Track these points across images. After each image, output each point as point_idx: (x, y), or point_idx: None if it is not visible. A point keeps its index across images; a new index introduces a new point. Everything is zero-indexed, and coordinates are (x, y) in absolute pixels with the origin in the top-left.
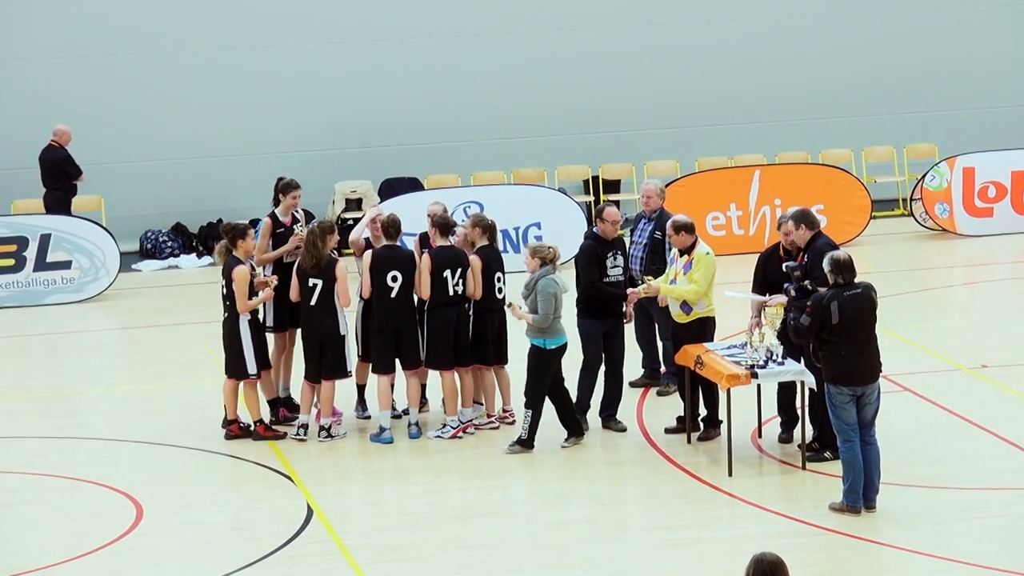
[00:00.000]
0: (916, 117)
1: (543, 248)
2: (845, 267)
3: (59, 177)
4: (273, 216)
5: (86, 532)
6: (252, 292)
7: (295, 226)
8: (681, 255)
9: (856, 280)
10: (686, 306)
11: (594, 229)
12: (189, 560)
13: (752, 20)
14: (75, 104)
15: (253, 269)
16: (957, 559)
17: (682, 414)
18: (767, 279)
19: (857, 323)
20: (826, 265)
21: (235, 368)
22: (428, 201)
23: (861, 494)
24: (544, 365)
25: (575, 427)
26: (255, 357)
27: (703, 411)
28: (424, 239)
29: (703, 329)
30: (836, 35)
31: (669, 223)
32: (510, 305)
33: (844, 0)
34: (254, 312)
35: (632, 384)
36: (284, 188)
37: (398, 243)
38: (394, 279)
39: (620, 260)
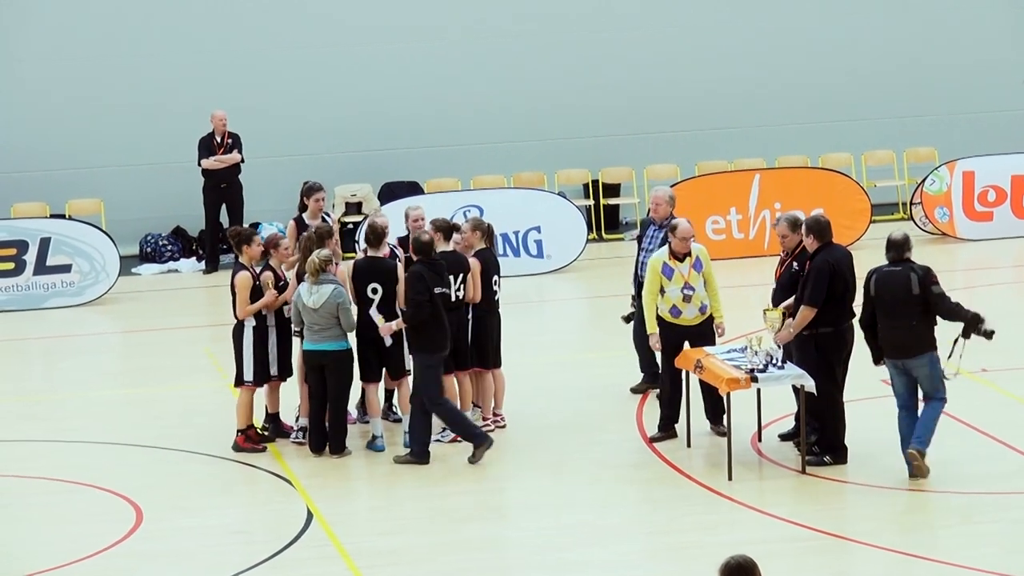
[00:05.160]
0: (916, 121)
1: None
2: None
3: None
4: (299, 219)
5: (85, 535)
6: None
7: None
8: (681, 260)
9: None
10: (704, 306)
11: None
12: (188, 564)
13: (752, 24)
14: (74, 107)
15: (270, 271)
16: (957, 563)
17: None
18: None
19: (889, 301)
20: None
21: (236, 373)
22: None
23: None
24: None
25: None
26: (253, 365)
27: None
28: (404, 242)
29: (712, 327)
30: (836, 39)
31: (683, 229)
32: None
33: (844, 4)
34: (262, 319)
35: (633, 390)
36: (307, 191)
37: (387, 246)
38: (374, 291)
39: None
